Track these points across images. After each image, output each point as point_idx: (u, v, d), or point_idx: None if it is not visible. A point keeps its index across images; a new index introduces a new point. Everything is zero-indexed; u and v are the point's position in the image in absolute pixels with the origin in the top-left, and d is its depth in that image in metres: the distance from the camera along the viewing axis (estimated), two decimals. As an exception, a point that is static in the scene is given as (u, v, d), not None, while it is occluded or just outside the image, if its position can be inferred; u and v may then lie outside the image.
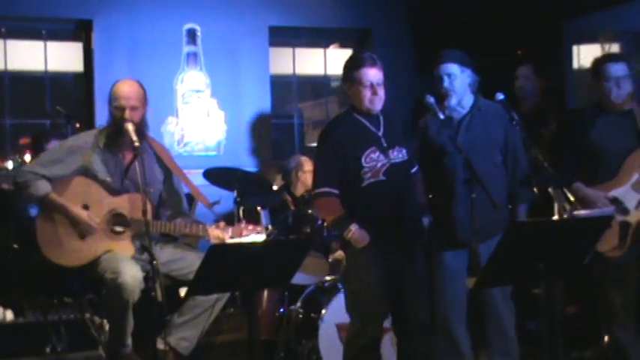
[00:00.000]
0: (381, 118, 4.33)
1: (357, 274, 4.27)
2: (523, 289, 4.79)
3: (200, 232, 4.53)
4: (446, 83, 4.38)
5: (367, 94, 4.24)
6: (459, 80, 4.39)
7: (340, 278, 5.12)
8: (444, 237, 4.42)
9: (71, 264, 4.46)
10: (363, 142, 4.25)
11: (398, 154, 4.28)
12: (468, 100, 4.45)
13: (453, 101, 4.38)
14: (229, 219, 4.64)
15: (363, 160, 4.22)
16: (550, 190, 4.26)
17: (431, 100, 4.34)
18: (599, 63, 4.65)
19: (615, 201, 4.45)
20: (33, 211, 4.78)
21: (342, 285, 4.58)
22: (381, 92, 4.26)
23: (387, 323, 4.55)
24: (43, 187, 4.44)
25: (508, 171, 4.46)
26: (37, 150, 5.63)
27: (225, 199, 5.97)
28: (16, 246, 5.10)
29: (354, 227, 4.14)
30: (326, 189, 4.24)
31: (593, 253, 3.73)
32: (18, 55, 6.89)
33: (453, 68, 4.39)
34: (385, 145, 4.26)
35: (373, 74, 4.24)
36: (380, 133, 4.30)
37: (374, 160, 4.23)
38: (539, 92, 5.50)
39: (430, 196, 4.56)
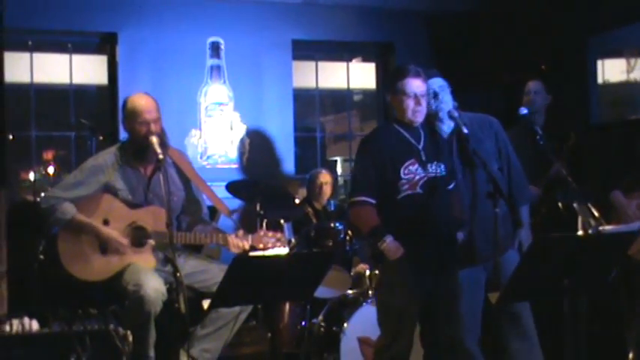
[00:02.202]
0: (422, 132, 4.33)
1: (389, 287, 4.25)
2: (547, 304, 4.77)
3: (220, 241, 4.53)
4: (440, 96, 4.35)
5: (410, 104, 4.23)
6: (447, 95, 4.38)
7: (374, 291, 5.11)
8: (462, 255, 4.39)
9: (94, 279, 4.48)
10: (403, 153, 4.24)
11: (436, 169, 4.27)
12: (450, 124, 4.41)
13: (443, 114, 4.36)
14: (252, 231, 4.63)
15: (401, 171, 4.21)
16: (575, 204, 4.25)
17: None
18: None
19: None
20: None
21: (375, 296, 4.54)
22: (424, 104, 4.26)
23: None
24: (68, 211, 4.47)
25: (504, 175, 4.44)
26: None
27: (247, 211, 5.99)
28: (41, 257, 5.13)
29: (388, 239, 4.13)
30: (363, 197, 4.23)
31: (619, 269, 3.71)
32: (43, 68, 6.95)
33: (440, 82, 4.38)
34: (424, 158, 4.25)
35: (417, 85, 4.24)
36: (420, 147, 4.28)
37: (412, 173, 4.22)
38: (547, 108, 5.50)
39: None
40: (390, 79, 4.39)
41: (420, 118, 4.27)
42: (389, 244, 4.11)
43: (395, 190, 4.20)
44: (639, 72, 6.80)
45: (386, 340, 4.30)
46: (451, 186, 4.32)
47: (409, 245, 4.14)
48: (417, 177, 4.21)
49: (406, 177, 4.20)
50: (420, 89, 4.23)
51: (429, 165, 4.24)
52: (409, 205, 4.19)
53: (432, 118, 4.34)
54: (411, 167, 4.21)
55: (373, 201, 4.22)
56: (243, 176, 6.77)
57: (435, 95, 4.33)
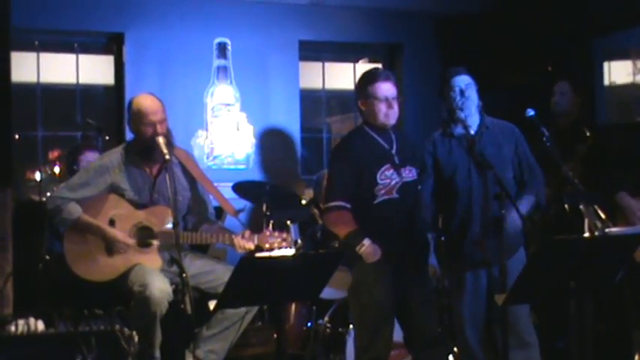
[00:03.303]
0: (393, 135, 4.36)
1: (366, 289, 4.28)
2: (553, 306, 4.76)
3: (226, 241, 4.53)
4: (467, 93, 4.36)
5: (382, 108, 4.27)
6: (473, 91, 4.38)
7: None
8: (468, 257, 4.38)
9: (100, 279, 4.48)
10: (378, 158, 4.28)
11: (409, 173, 4.33)
12: (475, 119, 4.42)
13: (468, 111, 4.35)
14: (258, 232, 4.63)
15: (378, 176, 4.25)
16: (581, 206, 4.25)
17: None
18: None
19: None
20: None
21: (349, 299, 4.57)
22: (396, 106, 4.29)
23: (398, 338, 4.53)
24: (74, 211, 4.48)
25: (524, 182, 4.44)
26: (70, 163, 5.67)
27: (254, 211, 5.98)
28: (47, 257, 5.14)
29: (366, 242, 4.16)
30: (339, 202, 4.27)
31: (625, 270, 3.70)
32: (50, 68, 6.96)
33: (467, 80, 4.39)
34: (397, 162, 4.29)
35: (387, 88, 4.28)
36: (393, 151, 4.32)
37: (388, 178, 4.27)
38: (576, 108, 5.47)
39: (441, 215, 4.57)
40: (359, 83, 4.40)
41: (392, 121, 4.31)
42: (367, 247, 4.15)
43: (371, 195, 4.25)
44: (646, 74, 6.79)
45: (364, 342, 4.31)
46: (420, 186, 4.37)
47: (386, 248, 4.17)
48: (393, 182, 4.26)
49: (382, 182, 4.25)
50: (390, 92, 4.26)
51: (402, 169, 4.29)
52: (386, 209, 4.25)
53: (452, 114, 4.35)
54: (387, 172, 4.26)
55: (349, 206, 4.26)
56: (249, 177, 6.76)
57: (462, 92, 4.34)
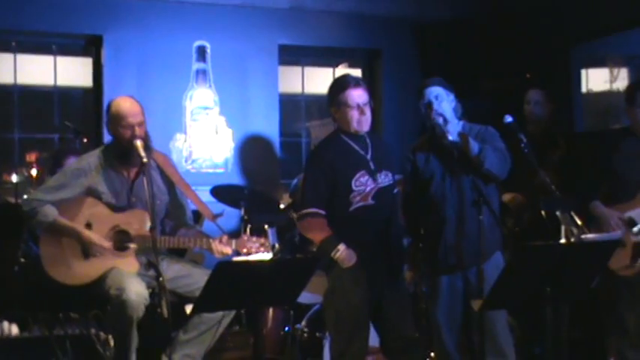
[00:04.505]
0: (368, 141, 4.37)
1: (342, 294, 4.28)
2: (530, 312, 4.79)
3: (204, 246, 4.52)
4: (435, 105, 4.37)
5: (355, 115, 4.28)
6: (445, 102, 4.39)
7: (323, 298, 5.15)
8: (442, 262, 4.40)
9: (76, 283, 4.45)
10: (353, 165, 4.29)
11: (385, 178, 4.34)
12: (456, 126, 4.44)
13: (441, 121, 4.37)
14: (236, 236, 4.62)
15: (352, 183, 4.26)
16: (558, 213, 4.28)
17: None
18: (635, 89, 4.73)
19: (631, 221, 4.50)
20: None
21: (325, 305, 4.57)
22: (368, 113, 4.30)
23: (375, 343, 4.54)
24: (50, 213, 4.44)
25: None
26: (53, 167, 5.60)
27: (232, 215, 5.97)
28: (22, 260, 5.10)
29: (342, 247, 4.18)
30: (314, 209, 4.28)
31: (600, 276, 3.73)
32: (27, 70, 6.91)
33: (438, 90, 4.40)
34: (373, 167, 4.30)
35: (359, 95, 4.28)
36: (368, 157, 4.33)
37: (363, 184, 4.27)
38: (547, 116, 5.51)
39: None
40: (330, 91, 4.40)
41: (365, 127, 4.32)
42: (342, 252, 4.17)
43: (347, 201, 4.26)
44: (622, 82, 6.84)
45: (340, 347, 4.31)
46: (395, 191, 4.37)
47: (362, 253, 4.18)
48: (369, 188, 4.27)
49: (357, 189, 4.26)
50: (362, 99, 4.28)
51: (377, 174, 4.30)
52: (361, 215, 4.26)
53: (429, 127, 4.37)
54: (361, 179, 4.27)
55: (323, 212, 4.27)
56: (227, 181, 6.74)
57: (429, 104, 4.34)
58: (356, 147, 4.34)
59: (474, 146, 4.25)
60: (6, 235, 5.30)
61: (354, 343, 4.27)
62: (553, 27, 6.69)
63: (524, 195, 5.24)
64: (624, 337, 4.62)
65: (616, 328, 4.66)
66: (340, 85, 4.34)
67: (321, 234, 4.26)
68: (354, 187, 4.26)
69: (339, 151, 4.32)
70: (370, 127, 4.40)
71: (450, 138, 4.32)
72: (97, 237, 4.45)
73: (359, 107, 4.27)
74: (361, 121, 4.30)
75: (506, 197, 5.19)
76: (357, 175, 4.27)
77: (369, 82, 7.79)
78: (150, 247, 4.21)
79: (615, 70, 6.90)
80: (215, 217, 4.78)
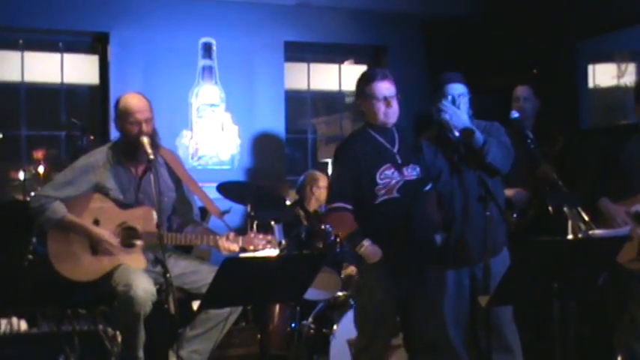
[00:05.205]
0: (396, 135, 4.35)
1: (367, 290, 4.28)
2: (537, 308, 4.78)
3: (210, 242, 4.53)
4: (458, 102, 4.37)
5: (381, 107, 4.27)
6: (465, 100, 4.39)
7: (352, 293, 5.16)
8: (449, 256, 4.39)
9: (83, 279, 4.46)
10: (378, 158, 4.27)
11: (412, 172, 4.30)
12: (466, 122, 4.42)
13: (448, 117, 4.35)
14: (242, 233, 4.63)
15: (377, 176, 4.24)
16: (565, 209, 4.27)
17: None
18: None
19: (638, 215, 4.50)
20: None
21: (354, 300, 4.57)
22: (395, 105, 4.29)
23: (398, 340, 4.55)
24: (58, 210, 4.45)
25: None
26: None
27: (238, 212, 5.97)
28: (30, 257, 5.11)
29: (366, 242, 4.16)
30: (340, 204, 4.26)
31: (607, 274, 3.72)
32: (34, 67, 6.92)
33: (461, 89, 4.40)
34: (400, 162, 4.28)
35: (386, 88, 4.28)
36: (395, 150, 4.31)
37: (388, 177, 4.25)
38: (537, 111, 5.51)
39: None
40: (358, 84, 4.41)
41: (392, 119, 4.30)
42: (367, 247, 4.15)
43: (372, 195, 4.24)
44: (630, 77, 6.82)
45: (363, 342, 4.32)
46: (427, 187, 4.35)
47: (387, 248, 4.16)
48: (394, 181, 4.25)
49: (382, 182, 4.24)
50: (389, 91, 4.27)
51: (404, 168, 4.28)
52: (387, 209, 4.23)
53: (436, 122, 4.36)
54: (387, 172, 4.25)
55: (350, 207, 4.26)
56: (233, 177, 6.75)
57: (454, 101, 4.34)
58: (382, 140, 4.33)
59: (479, 138, 4.25)
60: (14, 232, 5.31)
61: (376, 340, 4.27)
62: (559, 22, 6.68)
63: (528, 190, 5.24)
64: (633, 331, 4.61)
65: (624, 323, 4.65)
66: (367, 77, 4.35)
67: (346, 229, 4.26)
68: (378, 180, 4.25)
69: (364, 145, 4.31)
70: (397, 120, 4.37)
71: (457, 134, 4.32)
72: (106, 233, 4.46)
73: (385, 99, 4.27)
74: (388, 113, 4.29)
75: (509, 192, 5.19)
76: (383, 168, 4.25)
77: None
78: (157, 243, 4.22)
79: (623, 66, 6.87)
80: (222, 213, 4.79)
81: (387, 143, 4.32)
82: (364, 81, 4.35)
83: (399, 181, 4.26)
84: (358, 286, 4.40)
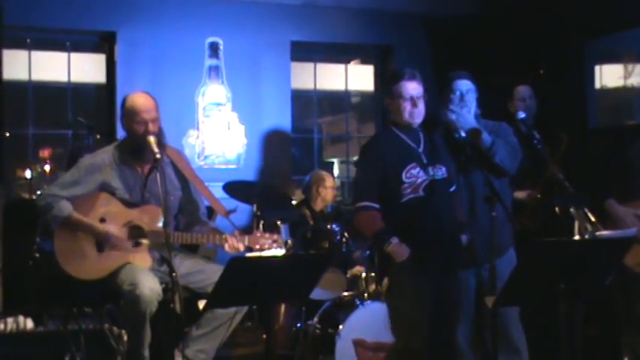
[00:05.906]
0: (421, 135, 4.34)
1: (399, 292, 4.24)
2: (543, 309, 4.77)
3: (217, 242, 4.53)
4: (467, 97, 4.37)
5: (407, 107, 4.25)
6: (472, 96, 4.39)
7: (357, 293, 5.16)
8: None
9: (89, 277, 4.46)
10: (404, 157, 4.25)
11: (438, 172, 4.28)
12: (473, 121, 4.43)
13: (455, 117, 4.36)
14: (249, 232, 4.63)
15: (403, 175, 4.22)
16: (571, 209, 4.26)
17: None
18: None
19: None
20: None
21: (360, 300, 4.53)
22: (421, 106, 4.27)
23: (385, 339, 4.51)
24: (65, 209, 4.45)
25: None
26: (70, 164, 5.61)
27: (244, 211, 5.97)
28: (37, 255, 5.13)
29: (394, 241, 4.13)
30: (367, 203, 4.24)
31: (614, 274, 3.72)
32: (41, 66, 6.95)
33: (469, 85, 4.40)
34: (425, 161, 4.27)
35: (413, 87, 4.26)
36: (420, 150, 4.30)
37: (414, 176, 4.23)
38: (537, 111, 5.51)
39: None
40: (385, 82, 4.43)
41: (418, 120, 4.28)
42: (394, 245, 4.12)
43: (398, 194, 4.21)
44: (637, 77, 6.81)
45: (400, 345, 4.29)
46: (453, 188, 4.33)
47: (414, 248, 4.15)
48: (420, 180, 4.22)
49: (408, 180, 4.21)
50: (416, 91, 4.24)
51: (430, 168, 4.25)
52: (413, 208, 4.20)
53: (442, 122, 4.36)
54: (412, 171, 4.22)
55: (377, 206, 4.23)
56: (240, 177, 6.75)
57: (462, 97, 4.34)
58: (407, 140, 4.31)
59: (487, 138, 4.25)
60: (21, 230, 5.33)
61: (413, 340, 4.24)
62: (567, 22, 6.66)
63: (539, 192, 5.23)
64: (639, 333, 4.60)
65: (631, 325, 4.64)
66: (395, 76, 4.34)
67: (373, 227, 4.24)
68: (404, 179, 4.22)
69: (390, 144, 4.30)
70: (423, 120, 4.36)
71: (463, 134, 4.31)
72: (116, 228, 4.46)
73: (412, 99, 4.25)
74: (413, 113, 4.27)
75: (521, 194, 5.18)
76: (408, 167, 4.23)
77: (380, 78, 7.80)
78: (163, 242, 4.22)
79: (630, 66, 6.86)
80: (228, 213, 4.79)
81: (412, 142, 4.31)
82: (392, 80, 4.34)
83: (424, 180, 4.23)
84: (388, 287, 4.35)
